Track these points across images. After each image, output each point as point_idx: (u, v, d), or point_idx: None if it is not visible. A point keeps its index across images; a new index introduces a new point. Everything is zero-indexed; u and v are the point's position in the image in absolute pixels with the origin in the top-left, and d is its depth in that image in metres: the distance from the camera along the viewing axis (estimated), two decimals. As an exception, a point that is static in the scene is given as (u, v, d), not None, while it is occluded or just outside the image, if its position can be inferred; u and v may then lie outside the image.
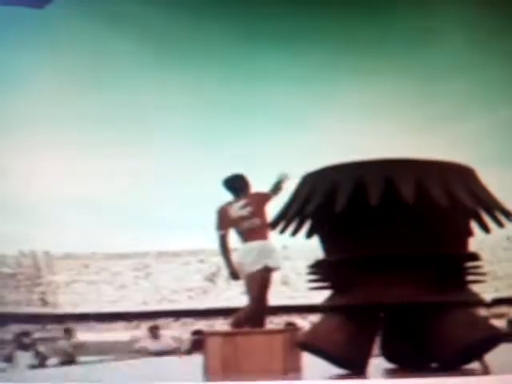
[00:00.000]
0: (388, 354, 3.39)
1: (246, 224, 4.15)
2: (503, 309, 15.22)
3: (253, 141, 25.84)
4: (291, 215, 3.11)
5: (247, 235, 4.16)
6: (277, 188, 4.27)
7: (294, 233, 3.22)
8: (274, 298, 4.69)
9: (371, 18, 21.44)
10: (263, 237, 4.13)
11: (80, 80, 24.62)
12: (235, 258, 4.22)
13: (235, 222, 4.20)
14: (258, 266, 4.07)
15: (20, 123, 21.38)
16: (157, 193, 28.91)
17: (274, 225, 3.22)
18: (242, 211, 4.16)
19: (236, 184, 4.31)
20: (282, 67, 25.58)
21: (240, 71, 24.99)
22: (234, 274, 4.25)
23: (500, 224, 3.10)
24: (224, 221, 4.24)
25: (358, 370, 2.96)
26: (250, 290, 4.15)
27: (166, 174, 27.13)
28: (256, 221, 4.14)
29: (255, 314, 4.06)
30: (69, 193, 27.13)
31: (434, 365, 3.09)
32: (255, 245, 4.11)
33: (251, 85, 24.33)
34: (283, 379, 2.98)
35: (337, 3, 20.17)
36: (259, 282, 4.08)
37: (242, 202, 4.21)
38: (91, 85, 24.94)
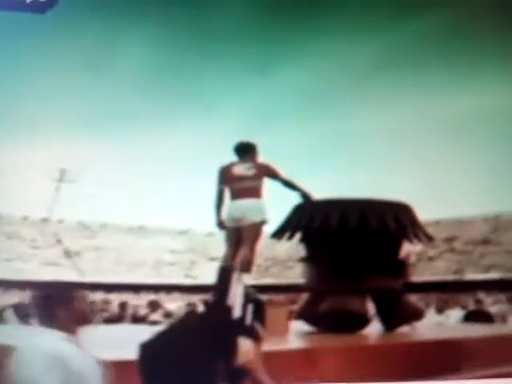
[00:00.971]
0: (311, 319, 4.88)
1: (247, 183, 4.60)
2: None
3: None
4: (289, 229, 4.86)
5: (241, 193, 4.60)
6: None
7: (289, 239, 4.98)
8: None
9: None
10: (258, 196, 4.63)
11: (81, 83, 25.35)
12: (225, 211, 4.73)
13: (236, 179, 4.64)
14: (257, 219, 4.55)
15: (15, 116, 22.23)
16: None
17: (275, 235, 4.93)
18: (248, 171, 4.63)
19: (245, 149, 4.77)
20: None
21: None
22: (222, 224, 4.74)
23: (422, 242, 4.88)
24: (225, 178, 4.69)
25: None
26: (245, 239, 4.55)
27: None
28: (256, 183, 4.62)
29: (251, 259, 4.52)
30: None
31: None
32: (250, 202, 4.57)
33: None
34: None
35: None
36: (257, 233, 4.56)
37: (248, 165, 4.67)
38: (92, 87, 25.83)
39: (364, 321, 4.69)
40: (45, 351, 1.91)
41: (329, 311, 4.65)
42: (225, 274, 4.31)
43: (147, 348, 1.39)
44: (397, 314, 4.87)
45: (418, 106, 26.34)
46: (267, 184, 4.72)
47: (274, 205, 5.01)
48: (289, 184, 4.76)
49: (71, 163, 27.59)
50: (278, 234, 4.94)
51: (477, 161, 25.12)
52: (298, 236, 4.99)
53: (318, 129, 28.20)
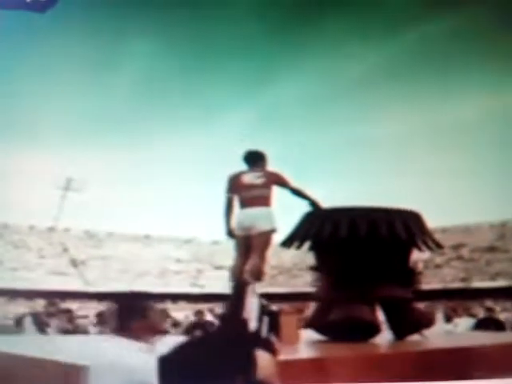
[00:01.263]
0: (321, 328, 4.86)
1: (256, 192, 4.61)
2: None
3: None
4: (298, 238, 4.86)
5: (250, 202, 4.61)
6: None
7: (298, 248, 4.98)
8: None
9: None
10: (267, 204, 4.66)
11: (82, 82, 25.49)
12: (234, 220, 4.73)
13: (245, 188, 4.66)
14: (267, 228, 4.57)
15: (20, 124, 22.32)
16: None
17: (285, 243, 4.93)
18: (257, 180, 4.65)
19: (255, 158, 4.80)
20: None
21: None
22: (231, 233, 4.74)
23: (432, 250, 4.87)
24: (234, 186, 4.71)
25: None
26: (255, 247, 4.57)
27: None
28: (265, 191, 4.64)
29: (261, 268, 4.57)
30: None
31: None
32: (259, 210, 4.59)
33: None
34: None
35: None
36: (267, 242, 4.59)
37: (258, 173, 4.70)
38: (97, 97, 25.98)
39: (374, 329, 4.68)
40: (121, 367, 1.93)
41: (339, 320, 4.64)
42: (240, 287, 4.32)
43: (166, 361, 1.40)
44: (407, 322, 4.85)
45: (425, 114, 26.40)
46: (276, 192, 4.72)
47: (283, 213, 5.03)
48: (298, 192, 4.78)
49: (77, 172, 27.72)
50: (288, 243, 4.95)
51: (483, 169, 25.09)
52: (306, 244, 5.00)
53: (321, 137, 28.29)
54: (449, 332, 7.51)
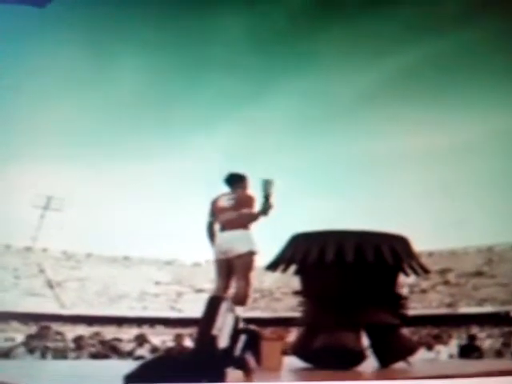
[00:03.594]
0: (304, 355, 4.72)
1: (229, 215, 4.66)
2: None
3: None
4: (284, 261, 4.73)
5: (226, 225, 4.66)
6: (267, 199, 4.62)
7: (283, 271, 4.84)
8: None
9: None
10: (244, 227, 4.63)
11: (81, 77, 25.32)
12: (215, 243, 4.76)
13: (220, 211, 4.72)
14: (244, 250, 4.57)
15: (20, 123, 22.15)
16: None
17: (270, 267, 4.79)
18: (228, 203, 4.72)
19: (232, 181, 4.83)
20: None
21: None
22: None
23: (418, 274, 4.77)
24: (213, 209, 4.80)
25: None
26: (237, 271, 4.58)
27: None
28: (237, 214, 4.64)
29: (246, 291, 4.54)
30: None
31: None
32: (235, 233, 4.60)
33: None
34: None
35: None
36: (248, 264, 4.58)
37: (230, 196, 4.76)
38: (92, 82, 25.87)
39: (359, 357, 4.55)
40: None
41: (323, 347, 4.50)
42: (213, 303, 4.06)
43: (132, 380, 1.34)
44: (392, 349, 4.73)
45: (413, 136, 26.71)
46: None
47: (267, 235, 5.00)
48: (259, 218, 4.69)
49: (57, 191, 27.31)
50: (273, 266, 4.82)
51: (471, 192, 25.36)
52: (291, 268, 4.87)
53: (308, 155, 28.38)
54: (432, 360, 7.40)
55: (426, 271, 4.87)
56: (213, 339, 4.00)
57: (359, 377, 4.38)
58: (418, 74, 24.54)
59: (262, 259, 4.84)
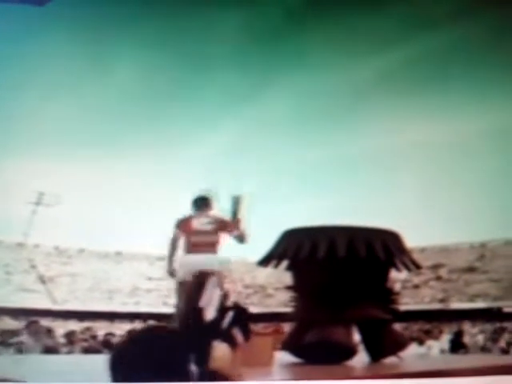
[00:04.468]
0: (296, 350, 4.73)
1: (205, 238, 4.65)
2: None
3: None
4: (276, 257, 4.74)
5: (197, 247, 4.64)
6: (235, 213, 4.70)
7: (275, 267, 4.85)
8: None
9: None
10: (214, 251, 4.65)
11: (80, 76, 25.18)
12: (178, 262, 4.72)
13: (194, 233, 4.69)
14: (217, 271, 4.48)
15: (20, 122, 22.01)
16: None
17: (262, 262, 4.80)
18: (206, 226, 4.69)
19: (203, 202, 4.83)
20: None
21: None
22: (173, 273, 4.73)
23: (410, 270, 4.79)
24: (183, 227, 4.74)
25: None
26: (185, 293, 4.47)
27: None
28: (214, 237, 4.67)
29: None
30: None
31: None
32: (206, 257, 4.58)
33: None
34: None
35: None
36: (191, 286, 4.56)
37: (207, 219, 4.74)
38: (91, 81, 25.76)
39: (350, 352, 4.56)
40: None
41: (314, 342, 4.51)
42: (200, 278, 4.19)
43: (117, 354, 1.35)
44: (383, 344, 4.75)
45: (404, 132, 26.76)
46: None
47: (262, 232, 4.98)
48: (241, 239, 4.73)
49: (50, 186, 27.18)
50: (265, 262, 4.82)
51: (464, 188, 25.42)
52: (283, 263, 4.88)
53: (304, 154, 28.34)
54: (422, 355, 7.43)
55: (417, 267, 4.90)
56: (199, 311, 4.10)
57: (350, 372, 4.40)
58: (415, 71, 24.52)
59: (255, 255, 4.84)
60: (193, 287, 4.19)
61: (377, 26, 21.67)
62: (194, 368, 1.35)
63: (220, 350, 1.55)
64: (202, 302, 4.07)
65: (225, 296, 4.22)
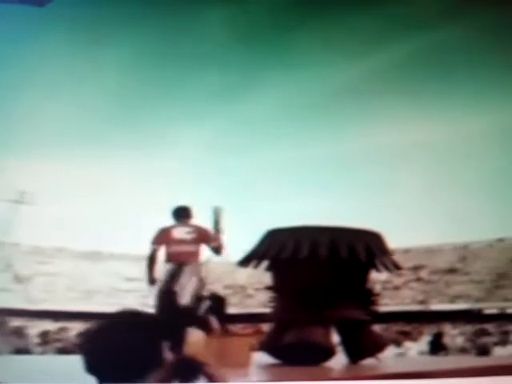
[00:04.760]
0: (273, 351, 4.68)
1: (185, 247, 4.64)
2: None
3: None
4: (256, 257, 4.67)
5: (178, 257, 4.62)
6: (216, 224, 4.75)
7: (255, 267, 4.80)
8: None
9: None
10: (196, 260, 4.64)
11: (80, 76, 24.84)
12: (160, 272, 4.69)
13: (175, 243, 4.69)
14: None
15: (19, 121, 21.65)
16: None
17: (242, 262, 4.72)
18: (187, 236, 4.70)
19: (183, 214, 4.87)
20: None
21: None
22: (153, 282, 4.68)
23: (390, 271, 4.75)
24: (163, 239, 4.74)
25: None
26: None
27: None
28: (194, 247, 4.66)
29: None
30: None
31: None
32: (190, 266, 4.55)
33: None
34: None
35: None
36: (168, 272, 4.55)
37: (188, 229, 4.75)
38: (91, 81, 25.40)
39: (328, 353, 4.51)
40: None
41: (292, 343, 4.46)
42: (179, 266, 4.36)
43: (90, 340, 1.33)
44: (362, 345, 4.71)
45: (388, 133, 26.81)
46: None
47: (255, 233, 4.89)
48: (218, 251, 4.72)
49: (30, 185, 26.73)
50: (245, 262, 4.75)
51: (448, 189, 25.53)
52: (263, 264, 4.82)
53: (289, 155, 28.25)
54: (401, 356, 7.43)
55: (397, 268, 4.87)
56: (173, 294, 4.09)
57: (328, 373, 4.34)
58: (410, 70, 24.53)
59: (236, 256, 4.79)
60: (169, 273, 4.31)
61: (370, 24, 21.67)
62: (168, 354, 1.33)
63: (195, 336, 1.49)
64: (177, 286, 4.12)
65: (201, 284, 4.29)
